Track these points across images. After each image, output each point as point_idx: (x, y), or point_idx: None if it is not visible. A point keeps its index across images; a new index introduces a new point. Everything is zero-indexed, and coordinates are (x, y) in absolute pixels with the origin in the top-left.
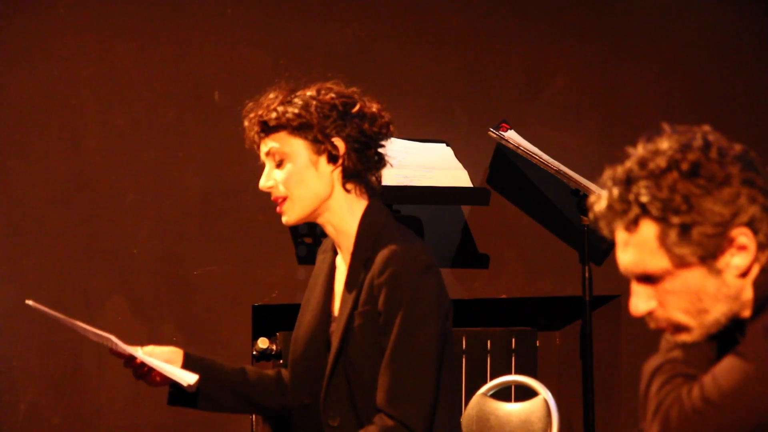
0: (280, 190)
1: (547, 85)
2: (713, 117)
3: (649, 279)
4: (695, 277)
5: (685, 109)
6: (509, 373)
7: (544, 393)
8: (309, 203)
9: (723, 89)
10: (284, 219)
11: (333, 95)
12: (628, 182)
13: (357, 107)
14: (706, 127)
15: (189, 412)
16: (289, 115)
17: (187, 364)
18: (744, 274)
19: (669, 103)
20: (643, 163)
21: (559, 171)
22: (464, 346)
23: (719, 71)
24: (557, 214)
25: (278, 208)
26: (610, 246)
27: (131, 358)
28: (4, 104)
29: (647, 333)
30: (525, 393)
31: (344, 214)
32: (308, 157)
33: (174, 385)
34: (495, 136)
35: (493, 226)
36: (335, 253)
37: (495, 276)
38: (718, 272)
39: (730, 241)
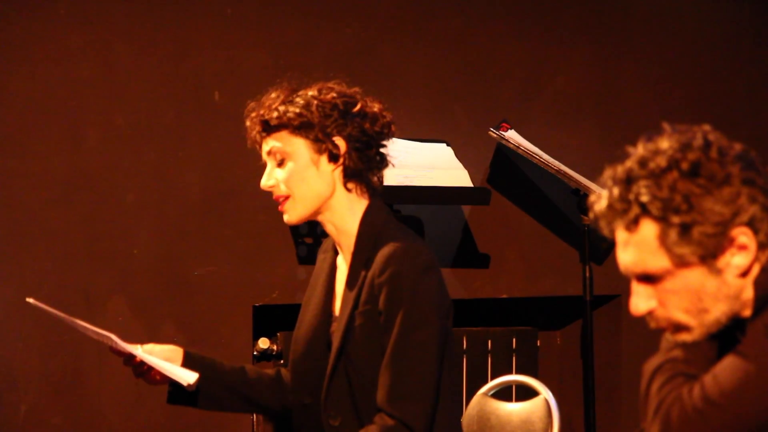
0: (282, 189)
1: (548, 84)
2: (713, 116)
3: (649, 278)
4: (695, 276)
5: (686, 109)
6: (510, 372)
7: (545, 393)
8: (310, 202)
9: (723, 89)
10: (286, 218)
11: (334, 95)
12: (628, 182)
13: (358, 107)
14: (707, 127)
15: (190, 413)
16: (290, 115)
17: (187, 363)
18: (744, 274)
19: (669, 102)
20: (643, 162)
21: (559, 171)
22: (465, 345)
23: (719, 71)
24: (558, 214)
25: (280, 207)
26: (610, 246)
27: (131, 357)
28: (5, 104)
29: (648, 333)
30: (526, 393)
31: (345, 214)
32: (309, 157)
33: (174, 384)
34: (495, 135)
35: (493, 226)
36: (336, 253)
37: (495, 276)
38: (718, 272)
39: (731, 241)
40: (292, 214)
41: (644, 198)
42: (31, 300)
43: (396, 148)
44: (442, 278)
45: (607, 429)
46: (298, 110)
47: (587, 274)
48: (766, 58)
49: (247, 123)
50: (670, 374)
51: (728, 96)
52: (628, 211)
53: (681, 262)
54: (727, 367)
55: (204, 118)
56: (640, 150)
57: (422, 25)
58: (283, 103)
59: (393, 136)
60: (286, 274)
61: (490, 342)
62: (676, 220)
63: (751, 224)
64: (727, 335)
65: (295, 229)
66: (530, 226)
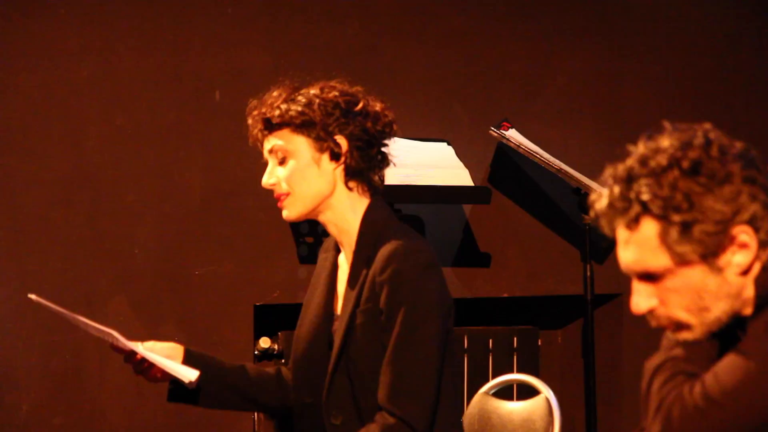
0: (283, 188)
1: (549, 83)
2: (714, 115)
3: (650, 277)
4: (696, 275)
5: (686, 107)
6: (511, 371)
7: (546, 392)
8: (311, 200)
9: (724, 87)
10: (285, 214)
11: (336, 93)
12: (629, 180)
13: (360, 105)
14: (707, 125)
15: (191, 412)
16: (292, 113)
17: (188, 361)
18: (745, 272)
19: (670, 101)
20: (644, 161)
21: (560, 170)
22: (466, 345)
23: (720, 69)
24: (558, 213)
25: (279, 204)
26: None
27: (132, 354)
28: (5, 104)
29: (649, 331)
30: (527, 392)
31: (346, 213)
32: (311, 155)
33: (174, 382)
34: (496, 135)
35: (494, 225)
36: (337, 252)
37: (496, 275)
38: (719, 270)
39: (731, 239)
40: (291, 211)
41: (645, 196)
42: (32, 296)
43: (397, 148)
44: (443, 277)
45: (608, 428)
46: (300, 108)
47: (588, 273)
48: (767, 56)
49: (249, 121)
50: (671, 373)
51: (729, 95)
52: (629, 209)
53: (682, 261)
54: (728, 365)
55: (205, 117)
56: (640, 148)
57: (423, 24)
58: (285, 101)
59: (395, 135)
60: (287, 273)
61: (491, 341)
62: (676, 218)
63: (752, 222)
64: (728, 334)
65: (296, 229)
66: (531, 225)
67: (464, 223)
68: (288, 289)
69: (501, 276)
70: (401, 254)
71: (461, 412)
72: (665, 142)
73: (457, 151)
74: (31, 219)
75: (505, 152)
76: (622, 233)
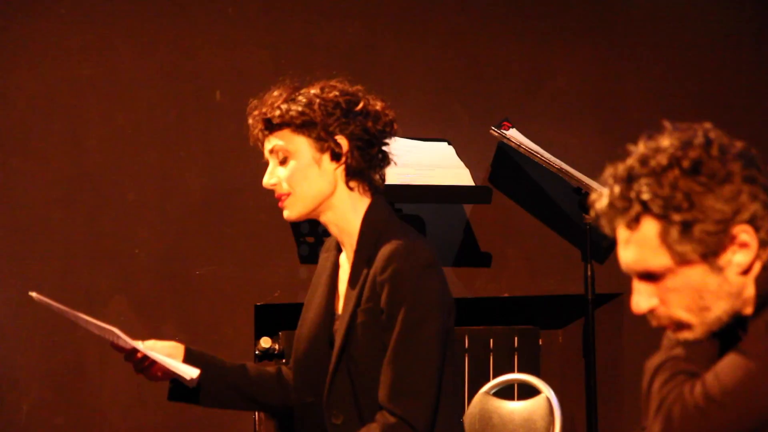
0: (284, 188)
1: (549, 83)
2: (714, 114)
3: (650, 277)
4: (697, 274)
5: (687, 107)
6: (512, 371)
7: (547, 391)
8: (311, 200)
9: (724, 86)
10: (286, 214)
11: (337, 93)
12: (629, 180)
13: (361, 105)
14: (708, 125)
15: (191, 412)
16: (292, 113)
17: (188, 360)
18: (746, 272)
19: (670, 100)
20: (644, 160)
21: (560, 169)
22: (467, 344)
23: (720, 69)
24: (559, 213)
25: (280, 204)
26: (612, 244)
27: (133, 352)
28: (6, 104)
29: (649, 331)
30: (527, 391)
31: (347, 212)
32: (311, 155)
33: (175, 381)
34: (497, 134)
35: (495, 225)
36: (339, 252)
37: (497, 274)
38: (719, 269)
39: (732, 239)
40: (292, 211)
41: (645, 196)
42: (33, 294)
43: (397, 147)
44: (444, 276)
45: (609, 427)
46: (300, 109)
47: (589, 273)
48: (767, 57)
49: (250, 121)
50: (672, 372)
51: (729, 94)
52: (629, 209)
53: (682, 260)
54: (729, 364)
55: (205, 117)
56: (641, 148)
57: (424, 23)
58: (285, 101)
59: (395, 134)
60: (288, 273)
61: (491, 341)
62: (677, 218)
63: (753, 222)
64: (729, 333)
65: (296, 229)
66: (532, 225)
67: (465, 223)
68: (289, 288)
69: (502, 275)
70: (402, 254)
71: (462, 411)
72: (665, 141)
73: (457, 150)
74: (32, 219)
75: (506, 152)
76: (622, 233)
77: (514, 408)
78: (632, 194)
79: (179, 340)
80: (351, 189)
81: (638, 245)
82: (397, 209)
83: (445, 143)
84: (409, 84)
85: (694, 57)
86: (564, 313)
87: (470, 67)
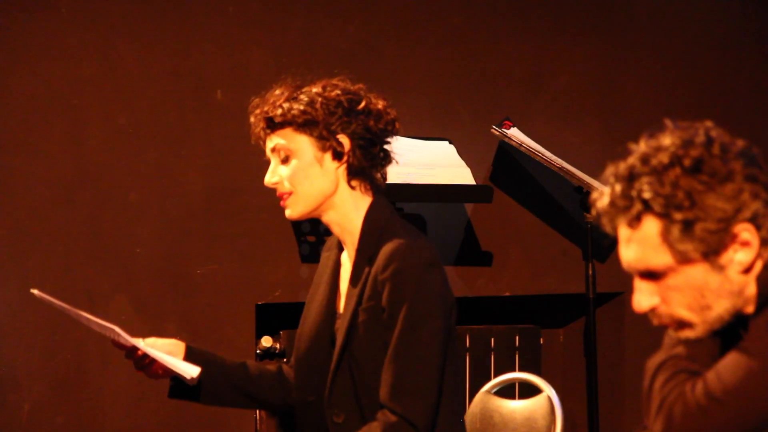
0: (285, 186)
1: (550, 82)
2: (715, 113)
3: (652, 275)
4: (698, 273)
5: (688, 106)
6: (513, 370)
7: (548, 390)
8: (313, 199)
9: (725, 85)
10: (287, 213)
11: (339, 92)
12: (630, 178)
13: (363, 104)
14: (709, 123)
15: (193, 411)
16: (294, 112)
17: (189, 358)
18: (747, 270)
19: (671, 99)
20: (645, 159)
21: (561, 168)
22: (468, 343)
23: (721, 67)
24: (560, 212)
25: (282, 203)
26: (613, 243)
27: (133, 350)
28: (7, 103)
29: (651, 330)
30: (529, 390)
31: (349, 211)
32: (313, 154)
33: (175, 379)
34: (498, 133)
35: (496, 224)
36: (340, 250)
37: (498, 273)
38: (721, 268)
39: (733, 237)
40: (294, 210)
41: (646, 195)
42: (35, 291)
43: (399, 146)
44: (445, 275)
45: (610, 426)
46: (302, 107)
47: (590, 272)
48: (767, 56)
49: (251, 119)
50: (673, 371)
51: (730, 93)
52: (631, 207)
53: (683, 259)
54: (730, 363)
55: (206, 116)
56: (642, 147)
57: (425, 23)
58: (287, 100)
59: (397, 133)
60: (289, 272)
61: (492, 340)
62: (678, 216)
63: (754, 220)
64: (730, 332)
65: (297, 228)
66: (533, 224)
67: (466, 222)
68: (290, 288)
69: (503, 274)
70: (403, 252)
71: (463, 410)
72: (667, 140)
73: (458, 149)
74: (33, 218)
75: (507, 151)
76: (623, 231)
77: (516, 407)
78: (633, 193)
79: (180, 339)
80: (353, 188)
81: (639, 244)
82: (398, 208)
83: (447, 142)
84: (410, 83)
85: (694, 56)
86: (565, 312)
87: (471, 66)
